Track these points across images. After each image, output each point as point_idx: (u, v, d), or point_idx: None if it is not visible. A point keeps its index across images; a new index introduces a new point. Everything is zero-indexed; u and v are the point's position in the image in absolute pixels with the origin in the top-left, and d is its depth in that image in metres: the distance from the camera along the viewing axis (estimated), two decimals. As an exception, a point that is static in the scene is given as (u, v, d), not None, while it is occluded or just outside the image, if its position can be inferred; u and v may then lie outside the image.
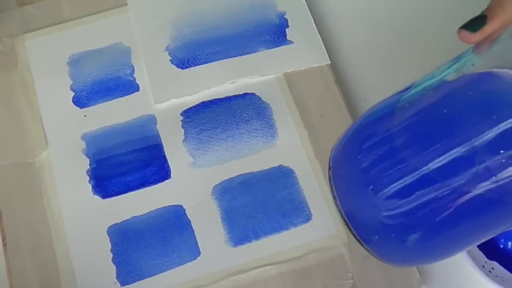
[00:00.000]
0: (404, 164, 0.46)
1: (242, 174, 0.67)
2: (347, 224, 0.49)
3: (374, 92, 0.72)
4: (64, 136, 0.69)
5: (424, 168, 0.45)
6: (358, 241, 0.49)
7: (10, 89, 0.71)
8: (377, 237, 0.48)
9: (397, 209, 0.46)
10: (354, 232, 0.49)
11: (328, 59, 0.72)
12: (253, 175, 0.67)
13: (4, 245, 0.64)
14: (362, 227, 0.49)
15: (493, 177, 0.43)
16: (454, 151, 0.44)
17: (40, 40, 0.74)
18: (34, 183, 0.67)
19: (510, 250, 0.64)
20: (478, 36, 0.49)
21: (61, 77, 0.72)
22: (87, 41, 0.73)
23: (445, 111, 0.46)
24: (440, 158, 0.44)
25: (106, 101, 0.71)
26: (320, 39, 0.73)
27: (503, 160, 0.43)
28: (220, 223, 0.65)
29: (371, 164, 0.48)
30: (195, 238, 0.64)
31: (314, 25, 0.74)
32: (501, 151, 0.42)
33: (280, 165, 0.67)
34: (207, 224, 0.65)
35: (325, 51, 0.73)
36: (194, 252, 0.64)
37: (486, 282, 0.60)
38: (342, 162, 0.50)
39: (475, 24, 0.50)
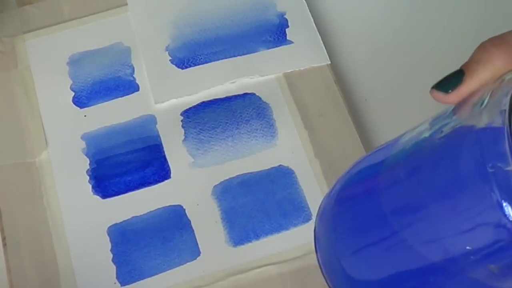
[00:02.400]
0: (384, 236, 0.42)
1: (242, 174, 0.67)
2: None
3: (374, 92, 0.72)
4: (64, 136, 0.69)
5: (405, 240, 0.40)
6: None
7: (10, 89, 0.71)
8: None
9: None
10: None
11: (328, 59, 0.72)
12: (253, 175, 0.67)
13: (4, 245, 0.64)
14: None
15: None
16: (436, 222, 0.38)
17: (40, 40, 0.74)
18: (34, 183, 0.67)
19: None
20: (452, 97, 0.42)
21: (61, 77, 0.72)
22: (87, 41, 0.74)
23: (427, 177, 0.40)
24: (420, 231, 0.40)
25: (106, 101, 0.71)
26: (320, 39, 0.73)
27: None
28: (220, 223, 0.65)
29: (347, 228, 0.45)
30: (195, 238, 0.64)
31: (314, 25, 0.74)
32: None
33: (280, 165, 0.67)
34: (207, 224, 0.65)
35: (325, 51, 0.73)
36: (194, 252, 0.64)
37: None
38: (324, 225, 0.48)
39: (448, 83, 0.42)
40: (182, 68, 0.72)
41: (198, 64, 0.73)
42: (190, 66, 0.73)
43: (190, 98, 0.71)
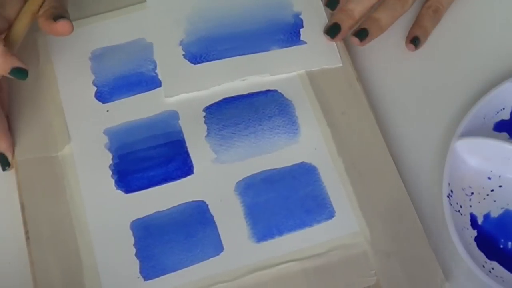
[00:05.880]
0: None
1: (265, 171, 0.67)
2: None
3: (395, 90, 0.72)
4: (86, 131, 0.69)
5: None
6: None
7: (33, 84, 0.71)
8: None
9: None
10: None
11: (340, 62, 0.72)
12: (276, 172, 0.67)
13: (27, 238, 0.64)
14: None
15: None
16: None
17: (62, 35, 0.73)
18: (57, 177, 0.67)
19: (510, 250, 0.64)
20: None
21: (84, 72, 0.72)
22: (110, 36, 0.74)
23: None
24: None
25: (128, 96, 0.71)
26: (334, 41, 0.73)
27: None
28: (243, 219, 0.65)
29: None
30: (218, 234, 0.64)
31: (329, 26, 0.74)
32: None
33: (303, 162, 0.67)
34: (230, 220, 0.65)
35: (338, 53, 0.73)
36: (217, 247, 0.64)
37: (486, 282, 0.61)
38: None
39: None
40: (194, 64, 0.73)
41: (210, 60, 0.73)
42: (203, 61, 0.73)
43: (212, 94, 0.71)
